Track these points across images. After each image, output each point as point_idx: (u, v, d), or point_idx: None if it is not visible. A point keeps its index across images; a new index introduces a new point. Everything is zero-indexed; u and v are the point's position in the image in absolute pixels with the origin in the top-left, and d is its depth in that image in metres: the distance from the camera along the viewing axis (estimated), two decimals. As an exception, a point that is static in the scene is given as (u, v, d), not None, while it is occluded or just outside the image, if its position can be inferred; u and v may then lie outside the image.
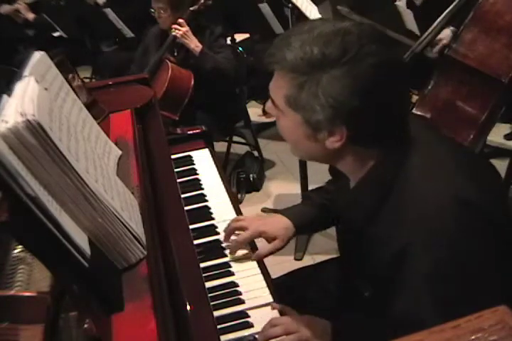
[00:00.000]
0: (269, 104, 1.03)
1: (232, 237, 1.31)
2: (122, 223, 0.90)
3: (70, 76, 1.37)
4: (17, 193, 0.71)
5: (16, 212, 0.72)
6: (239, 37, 3.99)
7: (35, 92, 0.85)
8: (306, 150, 1.03)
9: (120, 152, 1.22)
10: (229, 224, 1.33)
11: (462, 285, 0.92)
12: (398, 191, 0.96)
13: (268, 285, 1.19)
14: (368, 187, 1.01)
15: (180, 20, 2.83)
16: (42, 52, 1.12)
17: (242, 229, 1.30)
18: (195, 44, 2.84)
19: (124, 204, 0.95)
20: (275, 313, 1.13)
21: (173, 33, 2.85)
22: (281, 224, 1.30)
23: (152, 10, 2.94)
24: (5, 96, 0.85)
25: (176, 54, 2.99)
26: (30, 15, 4.71)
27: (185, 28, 2.82)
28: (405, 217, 0.94)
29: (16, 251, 0.93)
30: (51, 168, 0.81)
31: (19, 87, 0.87)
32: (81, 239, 0.82)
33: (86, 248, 0.81)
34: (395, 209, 0.96)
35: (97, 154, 1.03)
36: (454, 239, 0.91)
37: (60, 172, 0.82)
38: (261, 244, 1.30)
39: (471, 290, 0.92)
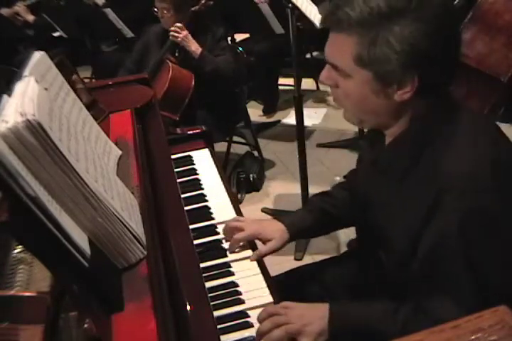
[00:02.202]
0: (325, 73, 1.06)
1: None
2: (122, 223, 0.90)
3: (73, 77, 1.36)
4: (17, 193, 0.71)
5: (16, 212, 0.72)
6: (239, 37, 4.00)
7: (35, 92, 0.85)
8: (372, 109, 1.05)
9: (120, 152, 1.22)
10: (227, 224, 1.33)
11: (490, 237, 0.98)
12: (440, 144, 1.01)
13: (268, 285, 1.19)
14: (412, 137, 1.05)
15: (179, 25, 2.85)
16: (42, 52, 1.12)
17: (239, 229, 1.30)
18: (195, 47, 2.86)
19: (124, 204, 0.95)
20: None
21: (171, 39, 2.86)
22: (275, 227, 1.31)
23: (155, 10, 2.96)
24: (5, 96, 0.85)
25: (177, 54, 3.00)
26: (30, 17, 4.70)
27: (185, 32, 2.84)
28: (443, 169, 0.99)
29: (15, 251, 0.93)
30: (51, 168, 0.81)
31: (19, 87, 0.87)
32: (81, 239, 0.82)
33: (86, 248, 0.81)
34: (434, 161, 1.00)
35: (97, 154, 1.02)
36: (489, 192, 0.96)
37: (60, 173, 0.82)
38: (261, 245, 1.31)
39: (497, 243, 0.98)
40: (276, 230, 1.31)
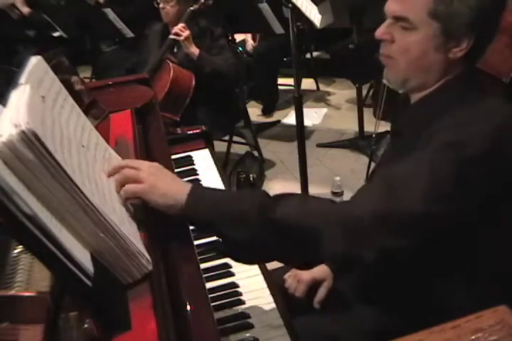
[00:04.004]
0: (384, 28, 1.09)
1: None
2: (122, 238, 0.87)
3: (74, 79, 1.36)
4: (13, 212, 0.68)
5: (14, 232, 0.70)
6: (239, 37, 4.00)
7: (30, 102, 0.82)
8: (426, 66, 1.08)
9: (120, 158, 1.21)
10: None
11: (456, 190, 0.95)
12: (465, 109, 1.03)
13: (268, 286, 1.19)
14: (443, 97, 1.09)
15: (182, 24, 2.86)
16: (38, 57, 1.09)
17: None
18: (194, 49, 2.87)
19: (121, 220, 0.92)
20: (276, 314, 1.12)
21: (173, 37, 2.86)
22: (320, 266, 1.34)
23: (157, 1, 2.96)
24: (0, 106, 0.84)
25: (175, 51, 3.00)
26: (26, 10, 4.64)
27: (188, 32, 2.85)
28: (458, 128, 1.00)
29: (15, 251, 0.93)
30: (49, 182, 0.78)
31: (14, 97, 0.84)
32: (83, 257, 0.79)
33: (89, 265, 0.79)
34: (452, 123, 1.01)
35: (92, 166, 0.99)
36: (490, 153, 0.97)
37: (58, 187, 0.79)
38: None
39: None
40: (324, 269, 1.35)
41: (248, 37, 4.21)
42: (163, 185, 1.01)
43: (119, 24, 3.83)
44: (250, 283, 1.20)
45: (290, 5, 2.39)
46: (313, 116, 4.08)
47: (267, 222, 0.98)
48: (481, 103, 1.04)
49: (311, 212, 1.00)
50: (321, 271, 1.34)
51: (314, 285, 1.34)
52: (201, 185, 1.15)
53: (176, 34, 2.85)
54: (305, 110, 2.55)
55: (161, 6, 2.96)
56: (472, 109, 1.02)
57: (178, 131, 1.80)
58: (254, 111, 4.15)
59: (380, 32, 1.10)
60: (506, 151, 0.99)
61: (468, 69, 1.09)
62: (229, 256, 1.14)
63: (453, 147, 0.96)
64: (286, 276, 1.37)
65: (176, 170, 1.53)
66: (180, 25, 2.86)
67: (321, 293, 1.33)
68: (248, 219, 0.98)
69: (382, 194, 0.98)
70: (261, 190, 1.04)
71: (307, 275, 1.33)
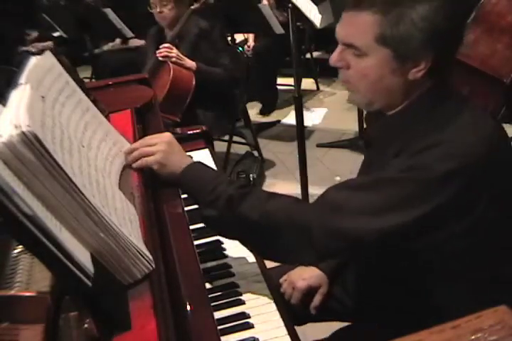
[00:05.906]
0: (337, 55, 1.07)
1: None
2: (123, 238, 0.86)
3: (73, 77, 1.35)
4: (13, 212, 0.68)
5: (14, 232, 0.70)
6: (239, 37, 4.00)
7: (30, 102, 0.82)
8: (386, 89, 1.06)
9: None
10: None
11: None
12: (440, 122, 1.02)
13: (268, 285, 1.19)
14: (414, 112, 1.07)
15: (167, 45, 2.83)
16: (46, 53, 1.08)
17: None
18: (189, 64, 2.85)
19: (122, 221, 0.92)
20: (276, 314, 1.12)
21: (162, 59, 2.83)
22: (315, 272, 1.37)
23: (151, 5, 2.91)
24: (0, 106, 0.84)
25: (178, 42, 2.99)
26: (47, 44, 4.70)
27: (175, 51, 2.82)
28: (439, 138, 1.00)
29: (15, 251, 0.93)
30: (49, 182, 0.77)
31: (14, 97, 0.84)
32: (83, 257, 0.79)
33: (89, 266, 0.79)
34: (428, 136, 1.01)
35: (93, 165, 0.99)
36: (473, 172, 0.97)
37: (58, 187, 0.79)
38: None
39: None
40: (318, 274, 1.37)
41: (250, 37, 4.20)
42: (168, 161, 1.21)
43: (119, 24, 3.84)
44: (250, 283, 1.20)
45: (290, 5, 2.39)
46: (313, 116, 4.08)
47: (230, 213, 1.11)
48: (450, 119, 1.02)
49: (271, 215, 1.08)
50: (316, 277, 1.35)
51: (310, 292, 1.34)
52: (200, 162, 1.24)
53: (165, 56, 2.81)
54: (305, 110, 2.56)
55: (158, 10, 2.88)
56: (436, 129, 1.01)
57: (178, 131, 1.79)
58: (251, 111, 4.15)
59: (333, 60, 1.08)
60: (467, 174, 0.98)
61: (435, 85, 1.05)
62: (205, 224, 1.25)
63: (412, 170, 0.98)
64: (281, 280, 1.37)
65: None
66: (165, 45, 2.82)
67: (317, 299, 1.34)
68: (217, 204, 1.12)
69: (333, 207, 1.04)
70: (241, 181, 1.14)
71: (302, 283, 1.34)
